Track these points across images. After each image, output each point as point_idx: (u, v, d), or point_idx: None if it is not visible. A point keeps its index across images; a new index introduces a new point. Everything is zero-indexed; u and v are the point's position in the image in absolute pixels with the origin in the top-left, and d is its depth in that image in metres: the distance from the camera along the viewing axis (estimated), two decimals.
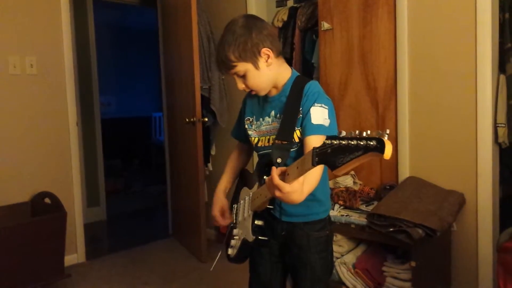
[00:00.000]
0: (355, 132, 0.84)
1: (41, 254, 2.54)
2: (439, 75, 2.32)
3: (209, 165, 3.55)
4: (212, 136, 3.57)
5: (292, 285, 1.52)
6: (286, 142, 1.31)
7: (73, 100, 3.15)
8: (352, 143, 0.82)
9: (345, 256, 2.32)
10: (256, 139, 1.45)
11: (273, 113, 1.41)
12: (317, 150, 0.91)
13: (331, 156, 0.87)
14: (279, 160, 1.27)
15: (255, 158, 1.51)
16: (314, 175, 1.19)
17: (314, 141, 1.20)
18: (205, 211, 3.13)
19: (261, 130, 1.44)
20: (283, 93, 1.39)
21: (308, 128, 1.27)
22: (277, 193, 1.09)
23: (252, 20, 1.34)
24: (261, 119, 1.44)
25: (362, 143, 0.81)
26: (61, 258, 2.69)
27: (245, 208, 1.42)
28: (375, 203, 2.30)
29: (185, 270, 3.03)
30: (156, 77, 5.07)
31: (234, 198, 1.56)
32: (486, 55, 2.15)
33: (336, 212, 2.28)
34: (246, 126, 1.49)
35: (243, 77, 1.34)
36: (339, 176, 2.46)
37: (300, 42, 2.97)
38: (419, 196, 2.17)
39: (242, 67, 1.31)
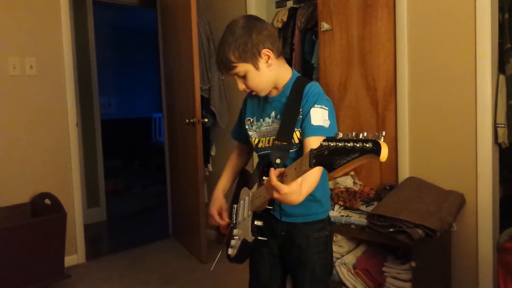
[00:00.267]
0: (352, 134, 0.84)
1: (41, 255, 2.54)
2: (439, 76, 2.32)
3: (209, 165, 3.55)
4: (212, 136, 3.57)
5: (292, 285, 1.52)
6: (285, 143, 1.30)
7: (73, 101, 3.15)
8: (349, 145, 0.82)
9: (345, 257, 2.32)
10: (257, 140, 1.45)
11: (273, 113, 1.41)
12: (314, 152, 0.91)
13: (328, 158, 0.87)
14: (278, 161, 1.27)
15: (255, 158, 1.51)
16: (313, 175, 1.19)
17: (314, 142, 1.19)
18: (205, 212, 3.13)
19: (262, 130, 1.44)
20: (283, 94, 1.39)
21: (308, 129, 1.27)
22: (275, 195, 1.08)
23: (252, 21, 1.34)
24: (261, 119, 1.44)
25: (358, 145, 0.81)
26: (61, 258, 2.69)
27: (245, 208, 1.42)
28: (375, 203, 2.30)
29: (185, 271, 3.03)
30: (156, 78, 5.08)
31: (234, 198, 1.56)
32: (485, 55, 2.15)
33: (336, 213, 2.28)
34: (247, 127, 1.49)
35: (244, 77, 1.34)
36: (337, 177, 2.46)
37: (299, 42, 2.97)
38: (419, 197, 2.17)
39: (242, 67, 1.31)
